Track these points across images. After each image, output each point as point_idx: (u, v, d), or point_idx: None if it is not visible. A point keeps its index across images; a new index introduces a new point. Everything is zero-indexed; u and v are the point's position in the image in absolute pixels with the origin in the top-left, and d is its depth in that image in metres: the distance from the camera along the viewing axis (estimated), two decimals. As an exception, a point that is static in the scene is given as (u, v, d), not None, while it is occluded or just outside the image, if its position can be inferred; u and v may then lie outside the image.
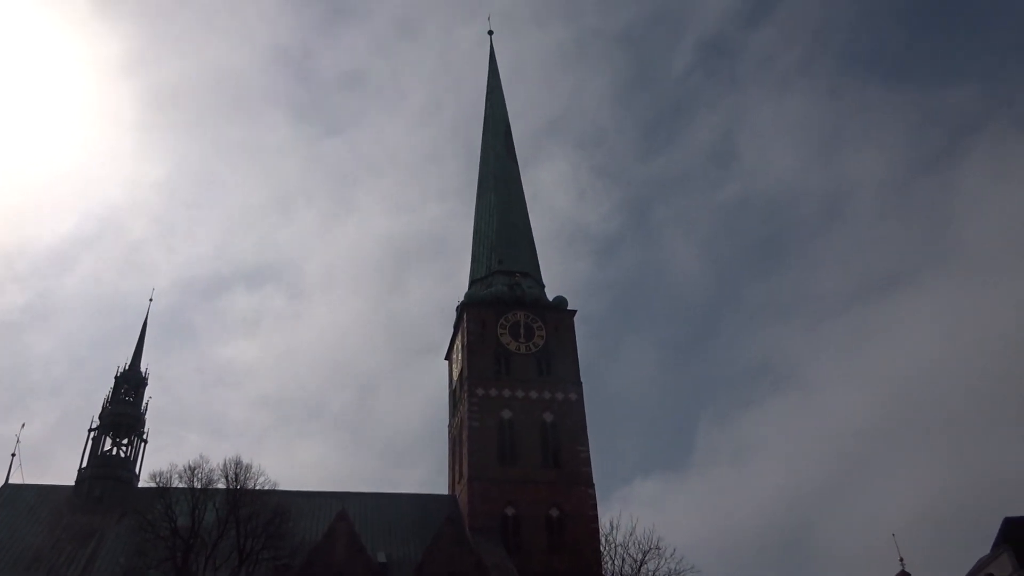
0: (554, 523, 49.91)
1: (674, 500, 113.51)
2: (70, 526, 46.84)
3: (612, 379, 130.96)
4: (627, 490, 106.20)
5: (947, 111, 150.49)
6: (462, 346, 58.10)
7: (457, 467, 55.39)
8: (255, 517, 39.31)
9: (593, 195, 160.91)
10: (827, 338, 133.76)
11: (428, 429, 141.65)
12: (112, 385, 56.39)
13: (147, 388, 57.40)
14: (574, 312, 59.97)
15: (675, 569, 40.88)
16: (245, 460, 41.96)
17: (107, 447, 54.15)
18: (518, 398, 54.64)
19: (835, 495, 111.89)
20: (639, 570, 40.73)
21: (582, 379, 56.52)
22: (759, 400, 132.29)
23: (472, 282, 63.63)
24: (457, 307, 60.84)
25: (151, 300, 63.13)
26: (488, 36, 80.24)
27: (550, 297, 61.16)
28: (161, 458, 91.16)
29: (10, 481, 50.65)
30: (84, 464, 52.50)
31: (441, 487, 58.51)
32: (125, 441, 54.87)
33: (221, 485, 40.96)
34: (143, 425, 55.67)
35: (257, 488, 41.26)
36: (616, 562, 41.45)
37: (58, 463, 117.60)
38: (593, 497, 51.27)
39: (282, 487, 44.14)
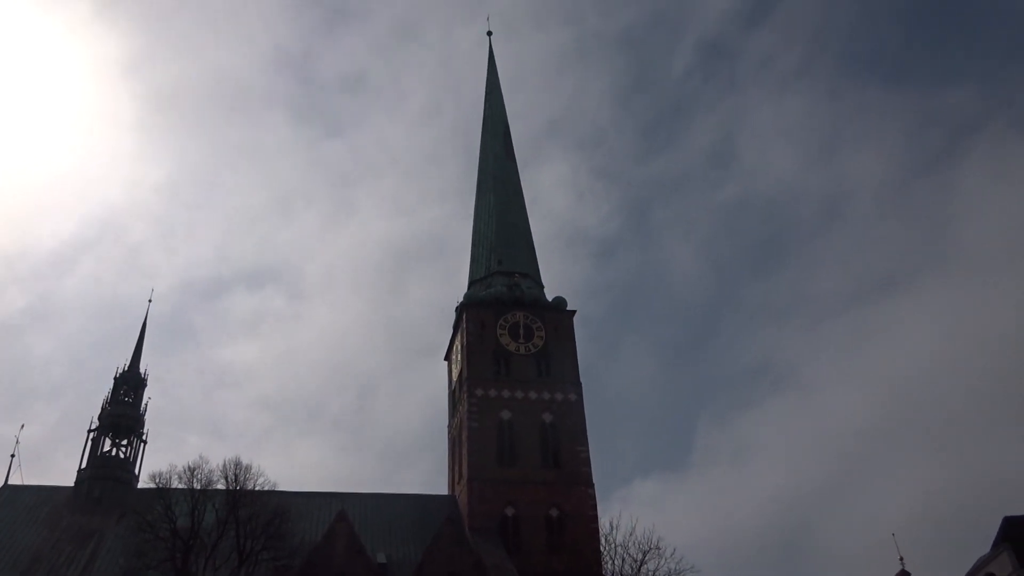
0: (554, 523, 49.90)
1: (674, 500, 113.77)
2: (69, 527, 46.82)
3: (612, 380, 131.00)
4: (627, 490, 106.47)
5: (946, 112, 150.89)
6: (461, 347, 58.08)
7: (457, 467, 55.37)
8: (255, 518, 39.29)
9: (593, 196, 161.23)
10: (827, 338, 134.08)
11: (428, 430, 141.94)
12: (111, 386, 56.46)
13: (146, 389, 57.51)
14: (573, 312, 60.02)
15: (675, 569, 40.87)
16: (245, 461, 42.05)
17: (106, 448, 54.15)
18: (517, 398, 54.64)
19: (835, 495, 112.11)
20: (639, 570, 40.69)
21: (581, 380, 56.60)
22: (759, 400, 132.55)
23: (471, 283, 63.64)
24: (456, 308, 60.83)
25: (150, 301, 63.19)
26: (487, 37, 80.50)
27: (549, 298, 61.17)
28: (161, 459, 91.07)
29: (9, 482, 50.65)
30: (83, 465, 52.50)
31: (441, 487, 58.58)
32: (124, 442, 54.87)
33: (221, 486, 40.95)
34: (142, 426, 55.68)
35: (257, 489, 41.24)
36: (616, 562, 41.42)
37: (58, 464, 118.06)
38: (593, 497, 51.27)
39: (282, 488, 44.14)
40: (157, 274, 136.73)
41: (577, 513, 50.20)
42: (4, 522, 46.81)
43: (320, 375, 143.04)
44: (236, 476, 41.07)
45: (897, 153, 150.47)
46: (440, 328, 79.68)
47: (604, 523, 45.30)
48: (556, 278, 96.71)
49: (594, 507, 50.68)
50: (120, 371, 57.24)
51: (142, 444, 55.00)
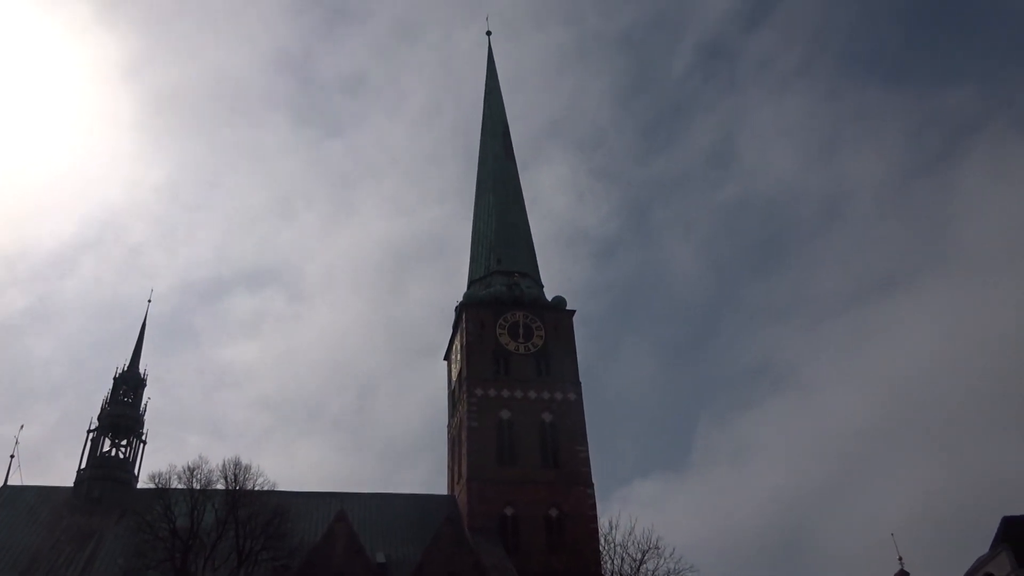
0: (553, 523, 49.92)
1: (673, 500, 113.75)
2: (69, 527, 46.81)
3: (611, 379, 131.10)
4: (626, 490, 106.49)
5: (946, 112, 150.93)
6: (461, 346, 58.06)
7: (456, 467, 55.37)
8: (254, 518, 39.30)
9: (592, 197, 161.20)
10: (826, 338, 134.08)
11: (427, 429, 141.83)
12: (111, 386, 56.47)
13: (146, 389, 57.57)
14: (573, 312, 60.01)
15: (674, 569, 40.81)
16: (244, 461, 42.10)
17: (106, 448, 54.18)
18: (517, 398, 54.65)
19: (834, 495, 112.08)
20: (638, 570, 40.67)
21: (581, 379, 56.59)
22: (758, 400, 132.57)
23: (471, 282, 63.62)
24: (456, 307, 60.83)
25: (149, 301, 63.20)
26: (486, 37, 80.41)
27: (549, 298, 61.16)
28: (161, 459, 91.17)
29: (9, 482, 50.62)
30: (83, 465, 52.51)
31: (440, 487, 58.60)
32: (124, 442, 54.90)
33: (220, 486, 40.98)
34: (142, 426, 55.70)
35: (256, 489, 41.27)
36: (615, 562, 41.41)
37: (57, 464, 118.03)
38: (592, 497, 51.30)
39: (281, 488, 44.22)
40: (157, 274, 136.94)
41: (576, 513, 50.22)
42: (3, 522, 46.78)
43: (320, 375, 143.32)
44: (235, 476, 41.14)
45: (897, 153, 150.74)
46: (440, 328, 79.83)
47: (603, 523, 45.43)
48: (556, 278, 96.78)
49: (593, 507, 50.72)
50: (119, 371, 57.28)
51: (141, 444, 55.11)
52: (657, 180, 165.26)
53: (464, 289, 63.21)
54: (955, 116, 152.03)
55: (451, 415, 59.31)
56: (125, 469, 53.51)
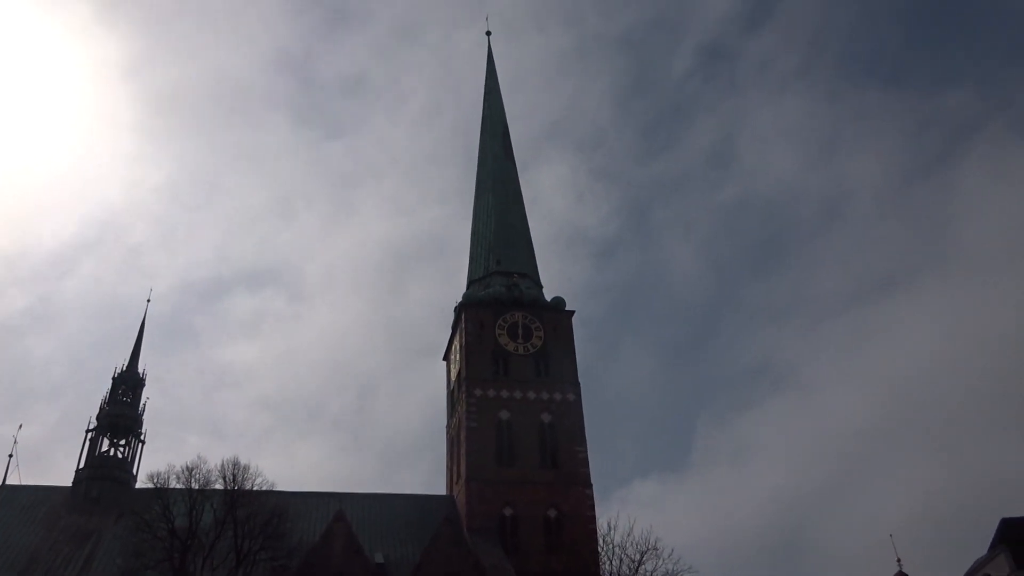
0: (552, 524, 49.91)
1: (673, 501, 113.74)
2: (67, 527, 46.74)
3: (611, 380, 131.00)
4: (626, 491, 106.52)
5: (945, 114, 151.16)
6: (460, 347, 58.04)
7: (455, 468, 55.33)
8: (253, 518, 39.26)
9: (592, 197, 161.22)
10: (826, 338, 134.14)
11: (427, 430, 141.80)
12: (110, 386, 56.40)
13: (145, 389, 57.46)
14: (572, 312, 60.02)
15: (673, 570, 40.72)
16: (243, 461, 42.04)
17: (104, 448, 54.08)
18: (516, 399, 54.64)
19: (834, 495, 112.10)
20: (637, 570, 40.62)
21: (580, 380, 56.55)
22: (758, 400, 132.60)
23: (470, 283, 63.59)
24: (455, 308, 60.81)
25: (149, 301, 63.02)
26: (486, 37, 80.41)
27: (548, 298, 61.14)
28: (161, 459, 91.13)
29: (7, 482, 50.49)
30: (81, 465, 52.43)
31: (439, 488, 58.53)
32: (123, 442, 54.81)
33: (219, 486, 40.94)
34: (140, 426, 55.61)
35: (255, 489, 41.23)
36: (614, 562, 41.38)
37: (57, 464, 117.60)
38: (591, 498, 51.29)
39: (280, 488, 44.17)
40: (157, 275, 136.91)
41: (575, 513, 50.21)
42: (2, 522, 46.64)
43: (320, 375, 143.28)
44: (234, 476, 41.08)
45: (897, 154, 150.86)
46: (440, 328, 79.80)
47: (602, 523, 45.41)
48: (555, 278, 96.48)
49: (592, 507, 50.71)
50: (118, 371, 57.20)
51: (140, 444, 55.01)
52: (657, 180, 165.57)
53: (463, 289, 63.19)
54: (955, 117, 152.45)
55: (450, 415, 59.28)
56: (124, 469, 53.43)
